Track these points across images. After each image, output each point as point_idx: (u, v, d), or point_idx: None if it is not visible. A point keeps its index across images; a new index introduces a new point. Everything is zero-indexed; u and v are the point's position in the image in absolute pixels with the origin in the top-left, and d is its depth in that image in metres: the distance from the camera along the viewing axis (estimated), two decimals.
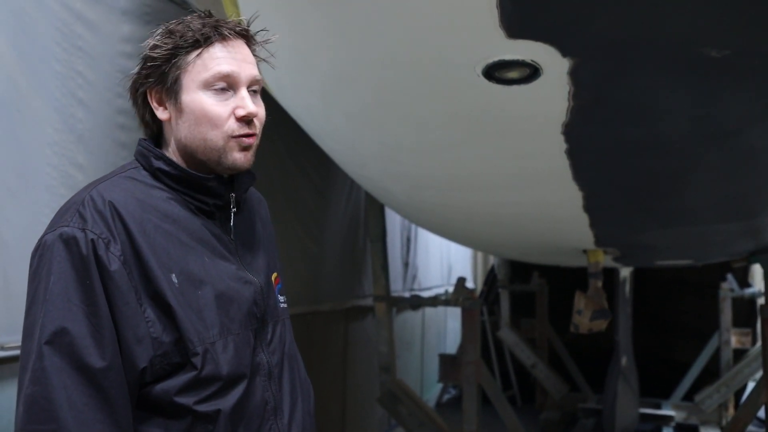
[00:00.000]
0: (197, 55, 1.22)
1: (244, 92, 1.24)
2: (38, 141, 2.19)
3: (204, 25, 1.24)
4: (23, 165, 2.13)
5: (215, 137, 1.23)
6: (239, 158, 1.25)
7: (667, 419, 5.87)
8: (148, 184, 1.25)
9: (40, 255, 1.15)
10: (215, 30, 1.23)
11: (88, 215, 1.15)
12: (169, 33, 1.24)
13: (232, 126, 1.23)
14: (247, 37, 1.29)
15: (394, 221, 5.83)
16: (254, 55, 1.31)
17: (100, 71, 2.44)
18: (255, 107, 1.25)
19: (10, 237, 2.05)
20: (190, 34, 1.23)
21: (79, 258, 1.12)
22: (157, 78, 1.25)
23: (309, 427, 1.38)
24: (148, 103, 1.28)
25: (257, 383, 1.27)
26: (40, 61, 2.20)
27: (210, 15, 1.27)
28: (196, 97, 1.22)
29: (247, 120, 1.24)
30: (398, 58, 1.79)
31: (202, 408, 1.17)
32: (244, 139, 1.24)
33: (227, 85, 1.23)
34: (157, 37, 1.25)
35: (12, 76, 2.09)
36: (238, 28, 1.26)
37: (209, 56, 1.23)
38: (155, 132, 1.32)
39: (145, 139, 1.32)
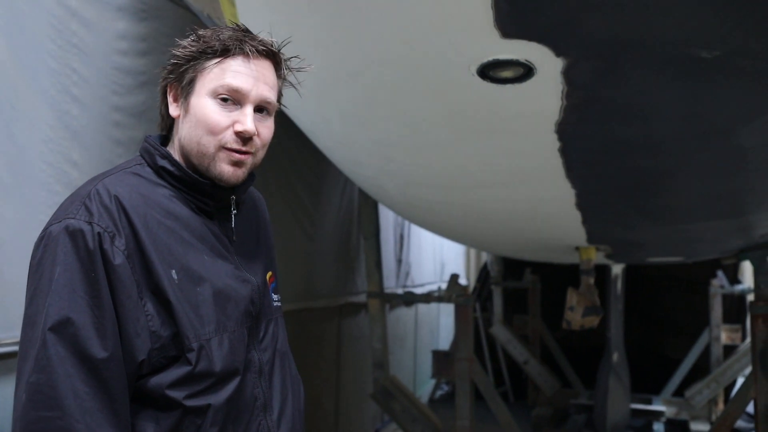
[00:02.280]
0: (216, 63, 1.25)
1: (248, 110, 1.26)
2: (33, 138, 2.19)
3: (232, 37, 1.26)
4: (18, 162, 2.13)
5: (208, 143, 1.25)
6: (227, 171, 1.26)
7: (657, 414, 5.92)
8: (152, 182, 1.28)
9: (44, 245, 1.17)
10: (240, 44, 1.25)
11: (94, 208, 1.17)
12: (198, 37, 1.27)
13: (228, 137, 1.25)
14: (274, 60, 1.30)
15: (387, 218, 5.84)
16: (281, 77, 1.32)
17: (94, 68, 2.44)
18: (253, 126, 1.25)
19: (5, 234, 2.05)
20: (216, 42, 1.25)
21: (85, 251, 1.14)
22: (177, 75, 1.28)
23: (298, 423, 1.41)
24: (166, 97, 1.32)
25: (248, 380, 1.29)
26: (34, 57, 2.20)
27: (244, 29, 1.29)
28: (201, 101, 1.25)
29: (243, 137, 1.25)
30: (393, 57, 1.80)
31: (192, 402, 1.19)
32: (235, 153, 1.26)
33: (235, 99, 1.25)
34: (188, 39, 1.28)
35: (6, 72, 2.09)
36: (261, 47, 1.27)
37: (227, 67, 1.25)
38: (168, 126, 1.35)
39: (150, 136, 1.34)
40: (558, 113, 1.90)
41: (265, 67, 1.28)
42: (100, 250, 1.15)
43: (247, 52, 1.25)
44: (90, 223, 1.16)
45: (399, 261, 6.51)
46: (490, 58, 1.64)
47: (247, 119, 1.24)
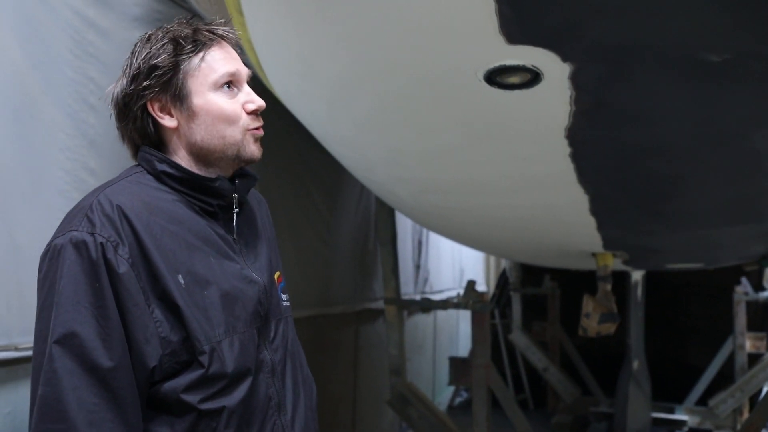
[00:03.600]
0: (201, 59, 1.28)
1: (248, 88, 1.33)
2: (51, 146, 2.23)
3: (196, 30, 1.30)
4: (36, 170, 2.17)
5: (234, 132, 1.30)
6: (255, 150, 1.33)
7: (680, 424, 5.82)
8: (153, 187, 1.28)
9: (50, 259, 1.18)
10: (212, 33, 1.30)
11: (96, 219, 1.18)
12: (170, 40, 1.28)
13: (246, 120, 1.31)
14: (230, 38, 1.36)
15: (405, 224, 5.84)
16: None
17: (111, 77, 2.47)
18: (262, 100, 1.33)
19: (23, 240, 2.09)
20: (189, 39, 1.28)
21: (89, 262, 1.15)
22: (160, 86, 1.28)
23: (311, 422, 1.41)
24: (149, 114, 1.30)
25: (261, 380, 1.29)
26: (52, 67, 2.25)
27: (191, 19, 1.33)
28: (208, 98, 1.28)
29: (257, 113, 1.32)
30: (401, 65, 1.81)
31: (207, 406, 1.20)
32: (256, 131, 1.32)
33: (233, 83, 1.31)
34: (154, 47, 1.28)
35: (25, 82, 2.13)
36: (228, 29, 1.34)
37: (212, 58, 1.29)
38: (154, 144, 1.34)
39: (147, 146, 1.34)
40: (567, 118, 1.89)
41: (229, 47, 1.35)
42: (104, 260, 1.16)
43: (222, 36, 1.32)
44: (92, 234, 1.17)
45: (417, 267, 6.50)
46: (497, 64, 1.64)
47: (254, 96, 1.32)
